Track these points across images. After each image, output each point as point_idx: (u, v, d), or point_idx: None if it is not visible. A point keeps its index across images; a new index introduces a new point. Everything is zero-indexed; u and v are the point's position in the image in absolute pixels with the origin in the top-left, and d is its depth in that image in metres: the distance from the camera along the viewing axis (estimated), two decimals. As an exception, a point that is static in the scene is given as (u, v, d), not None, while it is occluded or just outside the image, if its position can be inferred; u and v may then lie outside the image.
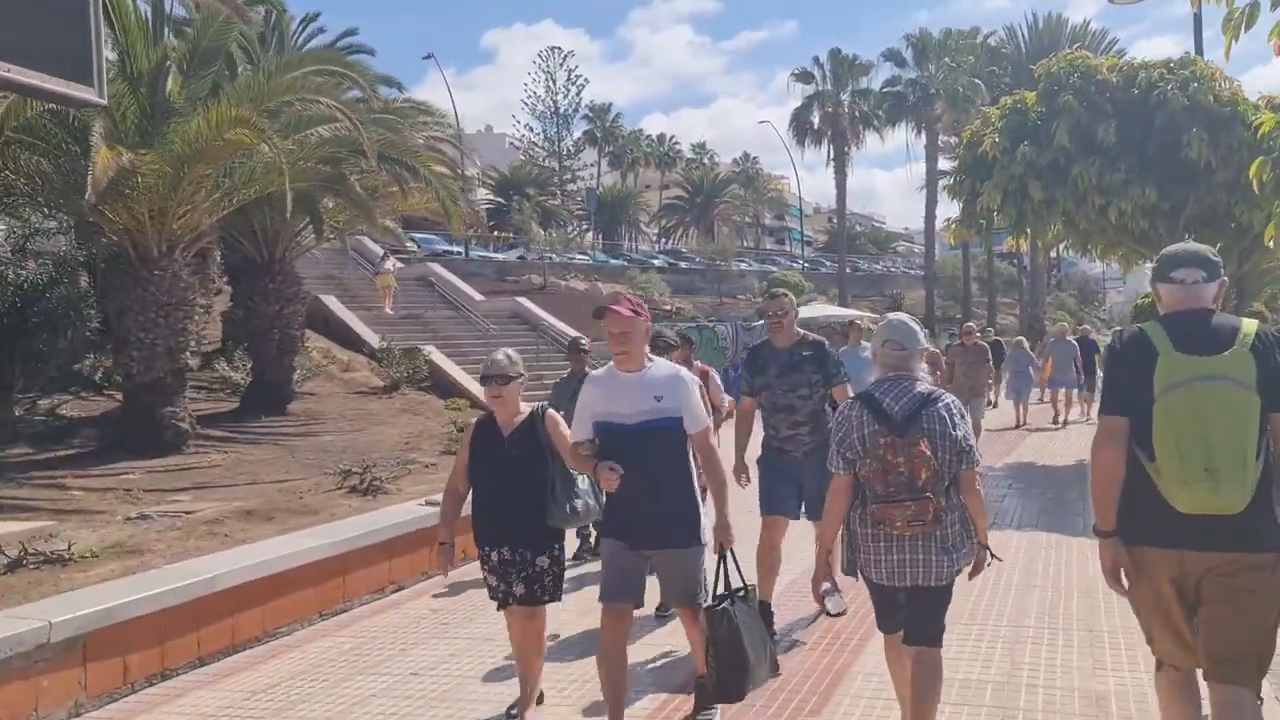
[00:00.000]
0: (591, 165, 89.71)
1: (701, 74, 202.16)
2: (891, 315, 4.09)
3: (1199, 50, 12.79)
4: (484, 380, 4.49)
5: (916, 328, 3.89)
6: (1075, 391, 17.93)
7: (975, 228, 12.52)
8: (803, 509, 5.68)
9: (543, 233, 44.31)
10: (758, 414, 5.92)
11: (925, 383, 3.75)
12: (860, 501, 3.69)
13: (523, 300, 27.88)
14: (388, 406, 17.43)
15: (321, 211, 14.44)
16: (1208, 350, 3.04)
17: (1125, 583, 3.23)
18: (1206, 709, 3.21)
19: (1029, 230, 12.52)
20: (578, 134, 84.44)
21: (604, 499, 4.26)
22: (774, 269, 55.83)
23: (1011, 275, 56.76)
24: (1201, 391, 2.97)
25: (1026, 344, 18.56)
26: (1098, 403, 4.38)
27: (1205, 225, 11.59)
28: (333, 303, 24.12)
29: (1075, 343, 18.27)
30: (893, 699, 4.13)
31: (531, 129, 74.82)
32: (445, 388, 19.82)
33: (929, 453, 3.54)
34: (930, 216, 43.61)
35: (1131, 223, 11.33)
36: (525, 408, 4.56)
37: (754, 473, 5.87)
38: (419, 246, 42.94)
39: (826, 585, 4.04)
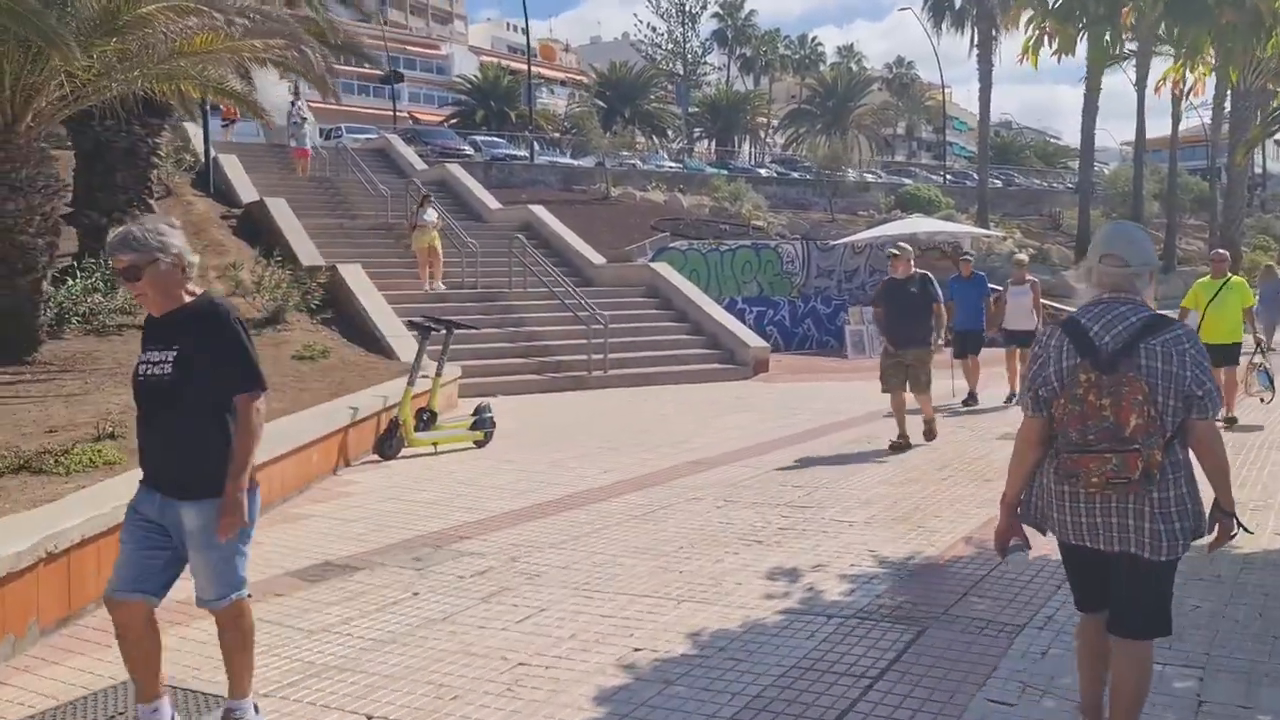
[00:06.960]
0: (721, 70, 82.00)
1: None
2: (1115, 223, 3.30)
3: None
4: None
5: (1144, 237, 3.14)
6: None
7: (1073, 23, 5.61)
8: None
9: (605, 135, 38.03)
10: None
11: (1149, 308, 3.02)
12: (1054, 450, 3.03)
13: (536, 209, 22.18)
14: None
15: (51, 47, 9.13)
16: None
17: None
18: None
19: (1206, 37, 5.64)
20: (705, 34, 77.44)
21: None
22: (908, 181, 47.86)
23: (1202, 190, 46.77)
24: None
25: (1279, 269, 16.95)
26: None
27: None
28: (278, 206, 19.11)
29: None
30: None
31: (654, 29, 68.69)
32: (352, 322, 14.53)
33: (1143, 395, 2.86)
34: (1090, 110, 34.49)
35: None
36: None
37: None
38: (477, 149, 37.80)
39: (1016, 540, 3.16)
